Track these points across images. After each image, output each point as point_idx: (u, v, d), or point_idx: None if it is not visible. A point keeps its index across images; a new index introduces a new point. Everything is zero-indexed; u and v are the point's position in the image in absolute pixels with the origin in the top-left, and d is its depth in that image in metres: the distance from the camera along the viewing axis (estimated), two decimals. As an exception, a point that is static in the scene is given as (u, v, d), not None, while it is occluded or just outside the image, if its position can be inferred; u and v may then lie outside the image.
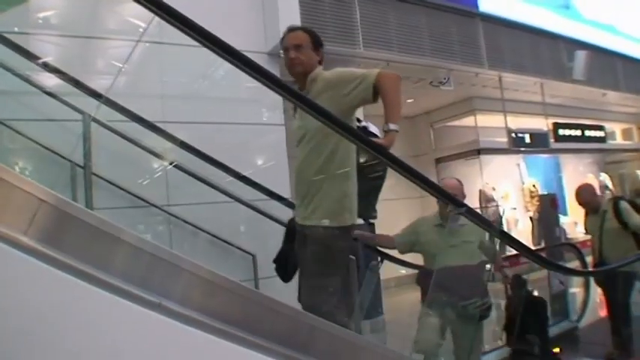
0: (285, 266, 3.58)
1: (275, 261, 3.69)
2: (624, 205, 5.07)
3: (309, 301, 2.91)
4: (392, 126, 2.80)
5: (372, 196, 3.50)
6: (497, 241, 4.34)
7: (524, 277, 5.31)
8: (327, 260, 2.92)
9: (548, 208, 9.53)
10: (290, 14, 5.87)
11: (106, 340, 1.49)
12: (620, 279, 4.98)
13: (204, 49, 2.23)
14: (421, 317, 3.86)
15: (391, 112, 2.89)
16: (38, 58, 3.89)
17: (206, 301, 1.68)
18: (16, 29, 4.10)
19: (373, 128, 3.26)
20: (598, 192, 5.60)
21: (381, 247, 4.32)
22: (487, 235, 4.01)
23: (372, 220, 3.79)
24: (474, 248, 4.02)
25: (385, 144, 2.72)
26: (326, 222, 2.88)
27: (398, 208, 7.97)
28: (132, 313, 1.50)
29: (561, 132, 10.88)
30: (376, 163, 3.19)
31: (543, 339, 4.90)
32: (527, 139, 9.74)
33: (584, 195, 5.33)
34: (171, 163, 4.60)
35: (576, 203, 5.61)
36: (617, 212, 5.02)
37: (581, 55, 9.45)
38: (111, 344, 1.49)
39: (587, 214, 5.48)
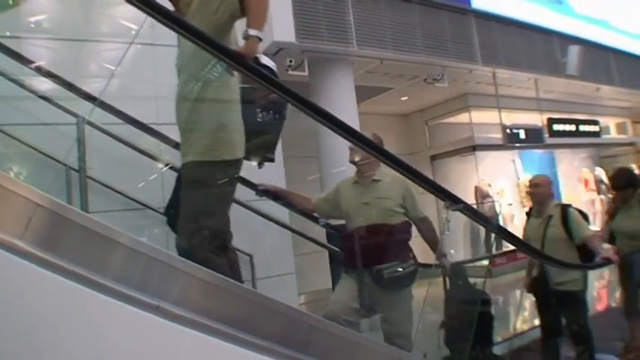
0: (175, 215, 3.07)
1: (165, 212, 3.54)
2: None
3: (183, 245, 2.71)
4: (252, 31, 2.55)
5: (270, 134, 3.40)
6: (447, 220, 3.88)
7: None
8: (201, 198, 2.72)
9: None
10: (283, 14, 5.87)
11: (106, 343, 1.48)
12: (573, 299, 4.38)
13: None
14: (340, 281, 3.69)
15: (252, 17, 2.66)
16: (31, 61, 3.87)
17: (204, 302, 1.67)
18: (7, 33, 4.07)
19: (266, 60, 2.93)
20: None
21: (297, 208, 4.04)
22: (410, 190, 3.56)
23: (266, 163, 3.61)
24: (391, 206, 3.56)
25: (244, 51, 2.49)
26: (198, 157, 2.69)
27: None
28: (131, 316, 1.49)
29: (556, 127, 10.90)
30: (266, 93, 3.06)
31: (484, 342, 4.30)
32: (522, 135, 9.76)
33: (543, 188, 4.78)
34: (166, 165, 4.58)
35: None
36: (565, 219, 4.46)
37: (574, 50, 9.47)
38: (110, 347, 1.48)
39: (528, 216, 4.98)
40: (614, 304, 6.71)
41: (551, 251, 4.31)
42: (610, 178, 5.46)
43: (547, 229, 4.50)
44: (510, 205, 10.98)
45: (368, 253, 3.47)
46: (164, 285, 1.61)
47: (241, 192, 4.74)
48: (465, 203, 3.10)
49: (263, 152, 3.48)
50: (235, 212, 4.86)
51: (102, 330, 1.48)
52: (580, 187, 13.11)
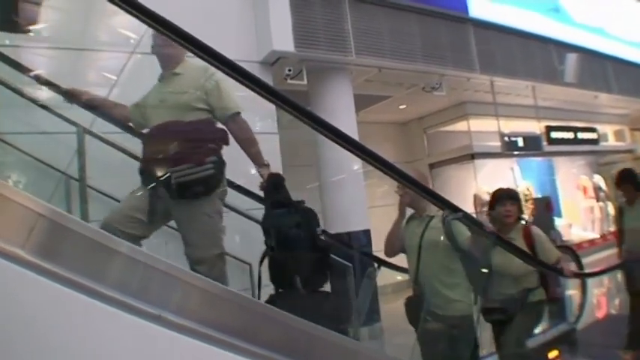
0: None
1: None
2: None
3: None
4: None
5: None
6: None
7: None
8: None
9: (543, 210, 9.58)
10: (282, 22, 5.89)
11: (107, 352, 1.48)
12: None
13: (196, 59, 2.24)
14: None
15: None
16: (30, 70, 3.87)
17: (205, 311, 1.67)
18: (7, 42, 4.08)
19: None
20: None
21: (113, 116, 3.50)
22: (216, 83, 3.08)
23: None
24: (188, 100, 3.07)
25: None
26: None
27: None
28: (132, 325, 1.49)
29: (554, 135, 10.92)
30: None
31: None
32: (521, 143, 9.77)
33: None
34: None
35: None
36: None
37: (572, 58, 9.51)
38: (111, 356, 1.48)
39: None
40: (613, 312, 6.71)
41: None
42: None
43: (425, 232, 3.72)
44: (509, 212, 10.95)
45: (159, 157, 3.06)
46: (165, 294, 1.61)
47: (241, 201, 4.75)
48: (464, 212, 3.11)
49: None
50: (234, 221, 4.87)
51: (103, 339, 1.48)
52: (579, 194, 13.11)
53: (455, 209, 3.11)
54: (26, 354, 1.39)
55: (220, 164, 3.11)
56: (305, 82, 6.22)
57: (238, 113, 3.15)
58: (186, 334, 1.57)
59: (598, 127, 12.62)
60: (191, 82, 3.08)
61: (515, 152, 9.87)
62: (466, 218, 3.16)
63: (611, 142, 13.69)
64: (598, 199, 13.16)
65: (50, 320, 1.42)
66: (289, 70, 6.08)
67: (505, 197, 4.14)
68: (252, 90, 2.36)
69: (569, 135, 11.53)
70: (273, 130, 5.65)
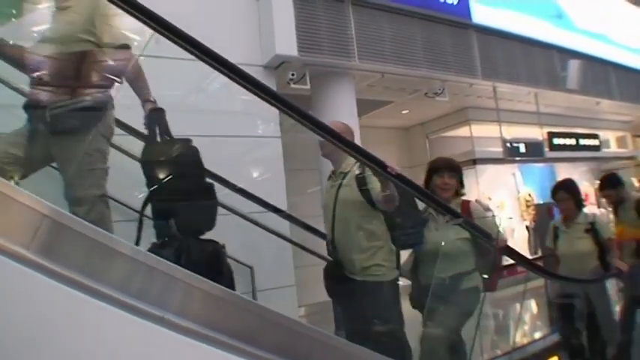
0: None
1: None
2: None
3: None
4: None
5: None
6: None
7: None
8: None
9: (544, 217, 9.55)
10: (286, 27, 5.91)
11: (111, 353, 1.49)
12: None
13: (200, 62, 2.25)
14: None
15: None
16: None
17: (208, 314, 1.68)
18: (10, 42, 4.09)
19: None
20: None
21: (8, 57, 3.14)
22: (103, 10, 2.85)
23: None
24: (73, 31, 2.84)
25: None
26: None
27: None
28: (136, 327, 1.50)
29: (556, 141, 10.92)
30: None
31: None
32: (522, 149, 9.78)
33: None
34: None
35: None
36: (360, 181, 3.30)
37: (574, 65, 9.51)
38: (115, 357, 1.49)
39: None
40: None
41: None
42: None
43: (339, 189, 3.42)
44: (510, 218, 10.95)
45: (40, 91, 2.80)
46: (170, 297, 1.62)
47: (240, 204, 4.76)
48: (464, 217, 3.11)
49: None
50: (236, 224, 4.88)
51: (107, 339, 1.49)
52: (581, 200, 13.06)
53: (455, 215, 3.11)
54: (30, 354, 1.40)
55: (104, 99, 2.88)
56: (308, 86, 6.24)
57: (126, 46, 2.97)
58: (189, 335, 1.58)
59: (600, 133, 12.61)
60: (77, 12, 2.87)
61: (517, 158, 9.88)
62: (467, 224, 3.16)
63: (613, 148, 13.68)
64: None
65: (54, 321, 1.43)
66: (292, 75, 6.10)
67: (444, 168, 3.67)
68: (255, 94, 2.37)
69: (571, 141, 11.53)
70: (275, 134, 5.67)
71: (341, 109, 6.52)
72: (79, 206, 2.65)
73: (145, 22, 2.04)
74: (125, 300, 1.51)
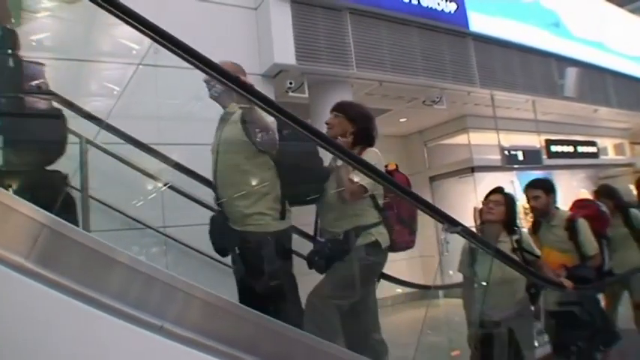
0: None
1: None
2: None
3: None
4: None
5: None
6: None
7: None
8: None
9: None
10: (284, 36, 5.93)
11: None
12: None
13: (197, 71, 2.26)
14: None
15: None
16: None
17: (206, 322, 1.68)
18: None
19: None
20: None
21: None
22: None
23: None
24: None
25: None
26: None
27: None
28: (134, 336, 1.50)
29: (554, 148, 10.93)
30: None
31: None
32: (520, 156, 9.78)
33: None
34: (165, 185, 4.59)
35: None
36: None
37: (571, 72, 9.54)
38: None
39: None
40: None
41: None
42: None
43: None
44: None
45: None
46: (168, 306, 1.62)
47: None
48: (463, 226, 3.11)
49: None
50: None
51: (106, 349, 1.49)
52: (578, 207, 13.06)
53: (454, 223, 3.11)
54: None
55: None
56: (306, 94, 6.25)
57: None
58: (187, 344, 1.58)
59: (598, 140, 12.64)
60: None
61: (515, 166, 9.88)
62: (465, 232, 3.16)
63: (611, 155, 13.70)
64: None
65: (53, 330, 1.43)
66: (290, 83, 6.11)
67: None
68: (253, 102, 2.39)
69: (569, 149, 11.53)
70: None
71: (339, 117, 6.53)
72: None
73: (144, 32, 2.05)
74: (123, 309, 1.52)
